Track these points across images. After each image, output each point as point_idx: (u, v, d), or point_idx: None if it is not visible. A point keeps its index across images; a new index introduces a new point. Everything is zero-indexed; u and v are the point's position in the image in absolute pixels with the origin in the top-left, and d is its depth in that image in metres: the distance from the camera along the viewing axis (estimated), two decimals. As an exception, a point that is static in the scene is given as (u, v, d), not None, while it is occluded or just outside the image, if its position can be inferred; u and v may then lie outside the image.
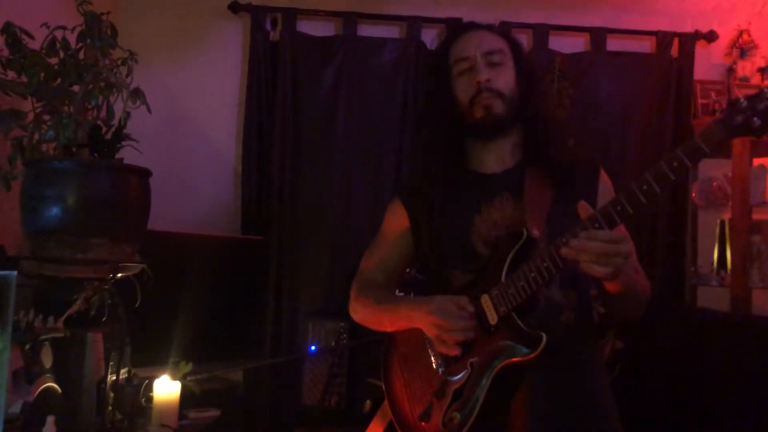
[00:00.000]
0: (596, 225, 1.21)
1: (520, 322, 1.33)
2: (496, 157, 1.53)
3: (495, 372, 1.34)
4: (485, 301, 1.37)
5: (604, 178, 1.53)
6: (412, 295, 1.72)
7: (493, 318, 1.36)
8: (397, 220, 1.60)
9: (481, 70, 1.46)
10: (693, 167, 1.17)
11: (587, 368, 1.47)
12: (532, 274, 1.30)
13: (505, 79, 1.48)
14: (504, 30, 1.57)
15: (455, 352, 1.39)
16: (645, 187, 1.19)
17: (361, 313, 1.60)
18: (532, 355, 1.29)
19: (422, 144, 1.59)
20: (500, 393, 1.36)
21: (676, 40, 3.27)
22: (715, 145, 1.17)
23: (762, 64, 3.26)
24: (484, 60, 1.47)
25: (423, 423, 1.42)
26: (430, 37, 3.18)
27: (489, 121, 1.46)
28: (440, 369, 1.43)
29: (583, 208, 1.24)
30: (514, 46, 1.54)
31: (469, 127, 1.50)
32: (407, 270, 1.70)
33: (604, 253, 1.19)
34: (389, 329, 1.56)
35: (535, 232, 1.36)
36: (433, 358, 1.45)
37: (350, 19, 3.15)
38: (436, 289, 1.46)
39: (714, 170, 3.26)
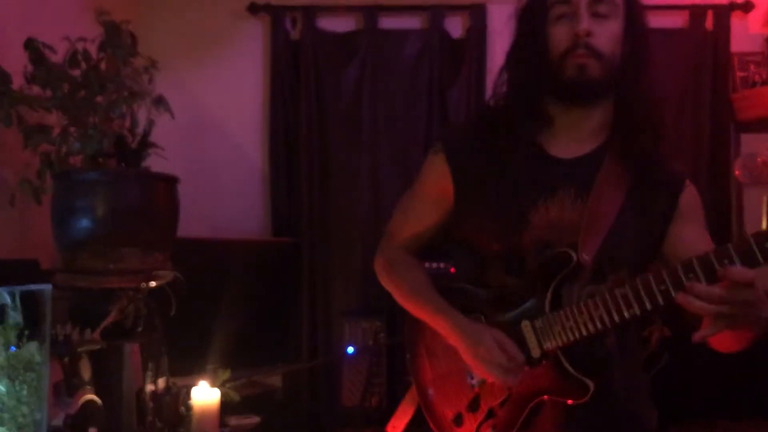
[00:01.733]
0: (662, 287, 1.09)
1: (566, 363, 1.22)
2: (575, 134, 1.30)
3: (534, 404, 1.26)
4: (527, 329, 1.26)
5: (687, 197, 1.31)
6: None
7: (536, 351, 1.25)
8: (438, 182, 1.37)
9: (583, 19, 1.21)
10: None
11: (630, 395, 1.34)
12: (583, 318, 1.18)
13: (609, 36, 1.23)
14: None
15: (498, 390, 1.29)
16: (726, 261, 1.03)
17: (388, 288, 1.46)
18: (577, 402, 1.21)
19: (498, 96, 1.34)
20: (535, 416, 1.28)
21: (710, 13, 3.14)
22: None
23: (802, 31, 3.12)
24: (588, 8, 1.22)
25: (455, 426, 1.36)
26: (453, 25, 3.12)
27: (580, 84, 1.23)
28: (474, 383, 1.34)
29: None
30: (632, 5, 1.27)
31: (556, 85, 1.26)
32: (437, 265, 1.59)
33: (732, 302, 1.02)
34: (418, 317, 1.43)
35: (585, 258, 1.21)
36: (465, 369, 1.34)
37: (371, 12, 3.11)
38: (467, 287, 1.36)
39: (757, 144, 3.14)
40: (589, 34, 1.21)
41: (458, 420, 1.35)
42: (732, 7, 3.14)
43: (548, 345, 1.24)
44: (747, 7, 3.16)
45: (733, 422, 2.50)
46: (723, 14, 3.14)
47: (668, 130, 1.31)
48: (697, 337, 1.07)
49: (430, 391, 1.41)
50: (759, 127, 3.11)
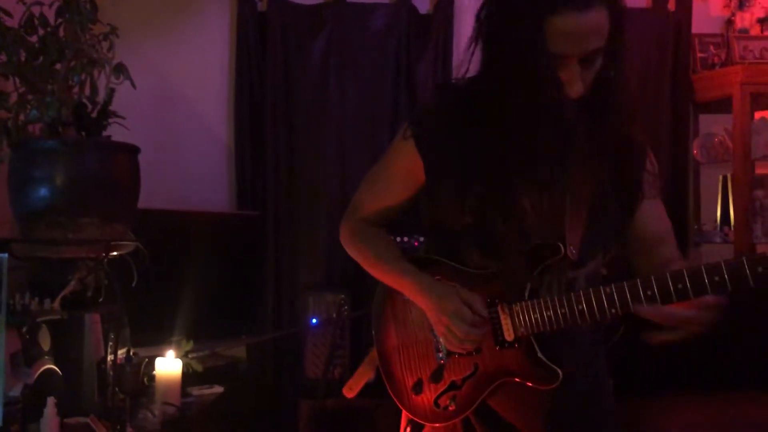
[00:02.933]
0: (648, 292, 1.13)
1: (538, 351, 1.24)
2: (545, 126, 1.25)
3: (500, 382, 1.28)
4: (503, 313, 1.26)
5: (650, 168, 1.34)
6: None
7: (509, 335, 1.26)
8: (408, 166, 1.35)
9: (576, 82, 1.15)
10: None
11: (593, 365, 1.37)
12: (563, 311, 1.20)
13: (591, 79, 1.19)
14: (618, 6, 1.19)
15: (461, 351, 1.30)
16: (716, 278, 1.08)
17: (354, 255, 1.45)
18: (544, 388, 1.23)
19: (478, 79, 1.26)
20: (496, 391, 1.30)
21: (673, -6, 3.20)
22: None
23: (761, 14, 3.19)
24: (581, 65, 1.15)
25: (413, 394, 1.37)
26: (421, 0, 3.12)
27: (555, 114, 1.19)
28: (440, 355, 1.34)
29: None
30: (616, 29, 1.18)
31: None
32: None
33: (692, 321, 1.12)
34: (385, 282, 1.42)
35: (573, 251, 1.23)
36: (434, 342, 1.34)
37: (339, -15, 3.08)
38: (447, 263, 1.33)
39: (714, 125, 3.22)
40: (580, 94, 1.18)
41: (418, 387, 1.36)
42: (694, -12, 3.20)
43: (523, 330, 1.25)
44: (709, -11, 3.21)
45: (692, 394, 2.58)
46: (685, -5, 3.19)
47: (638, 111, 1.35)
48: (656, 340, 1.15)
49: (393, 358, 1.41)
50: (717, 107, 3.19)
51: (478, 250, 1.30)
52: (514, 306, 1.26)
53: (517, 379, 1.26)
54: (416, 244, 2.47)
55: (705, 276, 1.09)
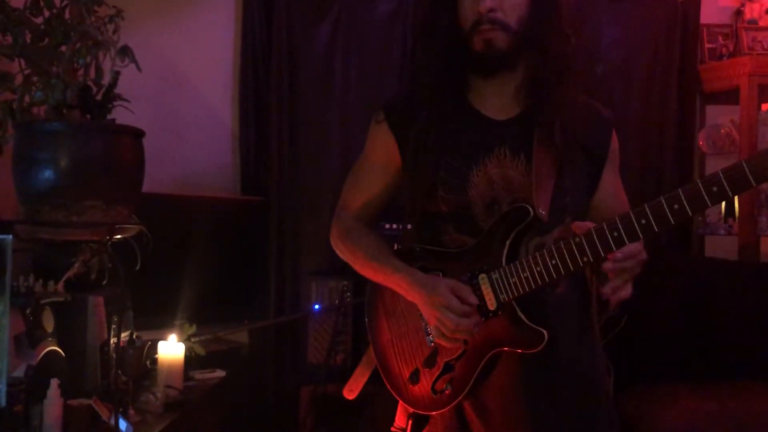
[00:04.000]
0: (614, 234, 1.13)
1: (521, 314, 1.26)
2: (498, 99, 1.36)
3: (490, 355, 1.29)
4: (484, 282, 1.29)
5: (614, 142, 1.41)
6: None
7: (492, 304, 1.28)
8: (384, 147, 1.42)
9: None
10: (734, 195, 1.07)
11: (582, 340, 1.39)
12: (538, 269, 1.22)
13: (512, 5, 1.26)
14: None
15: (455, 346, 1.31)
16: (676, 206, 1.09)
17: (344, 256, 1.48)
18: (531, 351, 1.24)
19: (420, 63, 1.38)
20: (491, 371, 1.31)
21: (681, -17, 3.17)
22: (765, 178, 1.02)
23: (771, 5, 3.16)
24: None
25: (410, 385, 1.38)
26: (427, -13, 3.09)
27: (488, 56, 1.28)
28: (429, 338, 1.36)
29: (579, 227, 1.17)
30: None
31: (468, 58, 1.31)
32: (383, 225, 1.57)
33: (631, 269, 1.14)
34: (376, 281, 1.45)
35: (542, 212, 1.25)
36: (424, 327, 1.37)
37: (345, -30, 3.06)
38: (429, 249, 1.37)
39: (721, 117, 3.20)
40: (491, 9, 1.25)
41: (414, 377, 1.37)
42: (703, -22, 3.17)
43: (504, 296, 1.26)
44: (718, -21, 3.19)
45: (692, 384, 2.59)
46: (694, -15, 3.16)
47: (584, 78, 1.40)
48: (608, 290, 1.17)
49: (388, 352, 1.43)
50: (724, 98, 3.17)
51: (454, 226, 1.34)
52: (492, 274, 1.27)
53: (506, 348, 1.28)
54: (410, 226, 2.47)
55: (665, 206, 1.09)
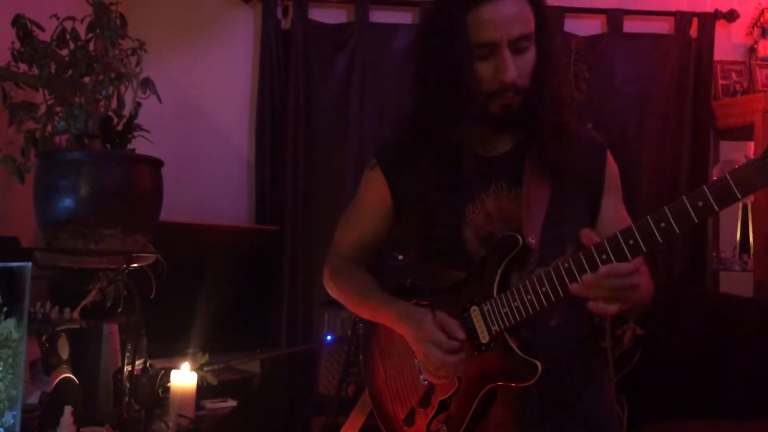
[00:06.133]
0: (603, 257, 1.09)
1: (513, 345, 1.21)
2: (497, 137, 1.34)
3: (485, 392, 1.25)
4: (475, 314, 1.25)
5: (611, 166, 1.37)
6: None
7: (484, 337, 1.24)
8: (376, 192, 1.42)
9: (509, 66, 1.22)
10: (720, 209, 1.03)
11: (588, 376, 1.34)
12: (529, 297, 1.18)
13: (529, 68, 1.26)
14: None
15: (449, 383, 1.27)
16: (663, 225, 1.04)
17: (334, 294, 1.49)
18: (526, 384, 1.20)
19: (417, 105, 1.35)
20: (488, 408, 1.27)
21: (695, 20, 3.20)
22: (751, 190, 0.99)
23: (784, 43, 3.18)
24: (511, 48, 1.22)
25: (406, 427, 1.34)
26: (443, 22, 3.14)
27: (504, 118, 1.27)
28: (422, 377, 1.32)
29: (587, 237, 1.11)
30: (542, 19, 1.27)
31: (480, 116, 1.28)
32: (396, 256, 1.56)
33: (616, 289, 1.08)
34: (367, 318, 1.44)
35: (532, 241, 1.22)
36: (417, 365, 1.32)
37: (362, 5, 3.12)
38: (421, 284, 1.36)
39: (735, 152, 3.20)
40: (515, 80, 1.23)
41: (410, 418, 1.34)
42: (716, 15, 3.20)
43: (496, 327, 1.22)
44: (731, 17, 3.21)
45: (706, 422, 2.55)
46: (707, 22, 3.19)
47: (574, 110, 1.35)
48: (591, 304, 1.12)
49: (384, 393, 1.40)
50: (738, 134, 3.17)
51: (450, 263, 1.32)
52: (484, 306, 1.24)
53: (500, 383, 1.23)
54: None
55: (652, 224, 1.05)
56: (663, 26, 3.24)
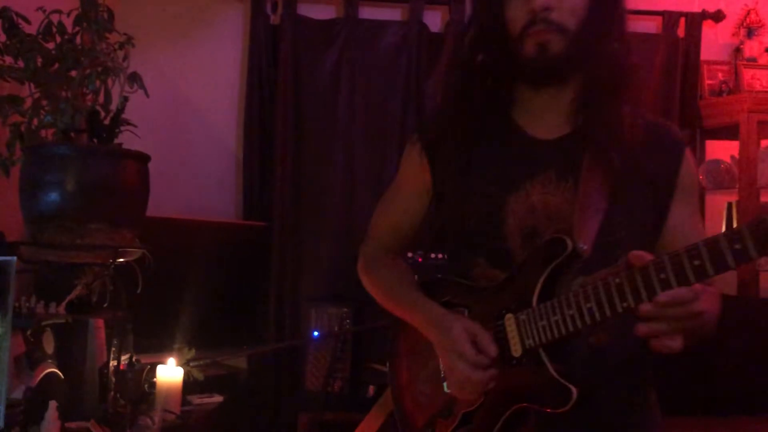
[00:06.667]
0: (662, 276, 0.93)
1: (548, 364, 1.06)
2: (547, 115, 1.18)
3: (513, 411, 1.10)
4: (510, 324, 1.10)
5: (688, 167, 1.18)
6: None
7: (516, 349, 1.09)
8: (416, 172, 1.28)
9: None
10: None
11: (634, 405, 1.19)
12: (571, 312, 1.02)
13: (571, 7, 1.09)
14: None
15: (461, 396, 1.14)
16: (738, 246, 0.89)
17: (368, 288, 1.36)
18: (557, 411, 1.04)
19: (461, 79, 1.22)
20: (515, 426, 1.12)
21: (682, 20, 3.22)
22: None
23: (770, 43, 3.22)
24: None
25: None
26: (432, 19, 3.15)
27: (541, 63, 1.11)
28: (446, 384, 1.19)
29: (638, 259, 0.96)
30: None
31: (517, 65, 1.14)
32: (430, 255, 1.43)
33: (679, 319, 0.94)
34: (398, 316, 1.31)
35: (583, 247, 1.05)
36: (443, 371, 1.19)
37: (351, 1, 3.12)
38: (454, 280, 1.23)
39: (721, 152, 3.23)
40: (547, 8, 1.09)
41: (429, 428, 1.22)
42: (704, 15, 3.22)
43: (530, 342, 1.07)
44: (718, 17, 3.24)
45: (692, 418, 2.57)
46: (695, 22, 3.21)
47: (646, 96, 1.21)
48: (655, 342, 0.98)
49: (405, 395, 1.28)
50: (723, 134, 3.20)
51: (485, 259, 1.19)
52: (520, 315, 1.09)
53: (526, 404, 1.08)
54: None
55: (724, 244, 0.89)
56: (651, 25, 3.26)
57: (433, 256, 2.46)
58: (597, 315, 1.00)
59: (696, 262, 0.91)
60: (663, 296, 0.94)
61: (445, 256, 2.19)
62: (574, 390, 1.03)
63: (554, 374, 1.05)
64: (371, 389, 2.58)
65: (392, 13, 3.19)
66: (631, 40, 1.20)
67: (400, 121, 3.09)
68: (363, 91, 3.10)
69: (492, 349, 1.09)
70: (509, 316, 1.11)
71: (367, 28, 3.12)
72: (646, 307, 0.95)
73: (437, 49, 3.10)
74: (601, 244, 1.08)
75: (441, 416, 1.19)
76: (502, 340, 1.11)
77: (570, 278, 1.09)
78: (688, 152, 1.20)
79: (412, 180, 1.30)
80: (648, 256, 0.97)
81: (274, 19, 3.13)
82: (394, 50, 3.11)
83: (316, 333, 2.72)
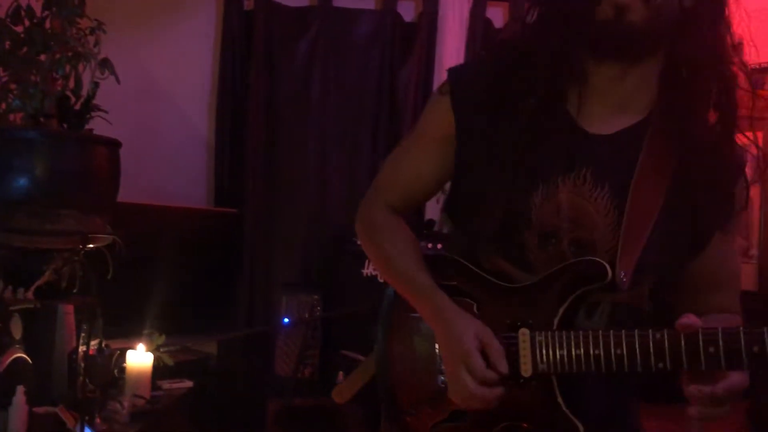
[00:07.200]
0: (711, 350, 0.86)
1: (559, 395, 0.97)
2: (610, 97, 1.01)
3: (504, 426, 1.03)
4: (524, 339, 0.99)
5: (741, 191, 1.05)
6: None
7: (527, 369, 0.98)
8: (441, 124, 1.10)
9: (635, 3, 0.91)
10: None
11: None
12: (596, 352, 0.93)
13: (658, 4, 0.92)
14: None
15: (461, 406, 1.03)
16: None
17: (367, 252, 1.20)
18: None
19: (520, 42, 1.05)
20: None
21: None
22: None
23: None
24: None
25: (407, 417, 1.12)
26: (406, 9, 3.16)
27: (616, 28, 0.93)
28: (441, 378, 1.07)
29: (686, 328, 0.89)
30: None
31: (588, 29, 0.95)
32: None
33: (728, 399, 0.87)
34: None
35: (623, 278, 0.96)
36: (437, 360, 1.08)
37: (326, -11, 3.12)
38: (465, 264, 1.09)
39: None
40: None
41: (414, 409, 1.11)
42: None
43: (544, 367, 0.97)
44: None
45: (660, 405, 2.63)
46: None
47: (735, 104, 0.99)
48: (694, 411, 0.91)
49: (392, 368, 1.15)
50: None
51: (496, 249, 1.06)
52: (537, 335, 0.98)
53: (525, 425, 1.01)
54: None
55: None
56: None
57: (429, 246, 2.33)
58: (626, 365, 0.92)
59: (755, 348, 0.83)
60: (720, 389, 0.87)
61: (441, 247, 2.12)
62: (580, 428, 0.96)
63: (564, 408, 0.98)
64: (341, 376, 2.61)
65: (366, 2, 3.19)
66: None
67: (373, 108, 3.11)
68: (336, 79, 3.11)
69: (503, 366, 0.98)
70: (524, 331, 1.00)
71: (341, 16, 3.12)
72: (692, 390, 0.88)
73: (410, 38, 3.12)
74: (638, 269, 0.98)
75: (429, 405, 1.09)
76: (512, 353, 1.00)
77: (595, 303, 1.01)
78: (744, 175, 1.05)
79: (436, 135, 1.12)
80: (697, 323, 0.89)
81: (248, 5, 3.11)
82: (368, 39, 3.12)
83: (286, 319, 2.75)
